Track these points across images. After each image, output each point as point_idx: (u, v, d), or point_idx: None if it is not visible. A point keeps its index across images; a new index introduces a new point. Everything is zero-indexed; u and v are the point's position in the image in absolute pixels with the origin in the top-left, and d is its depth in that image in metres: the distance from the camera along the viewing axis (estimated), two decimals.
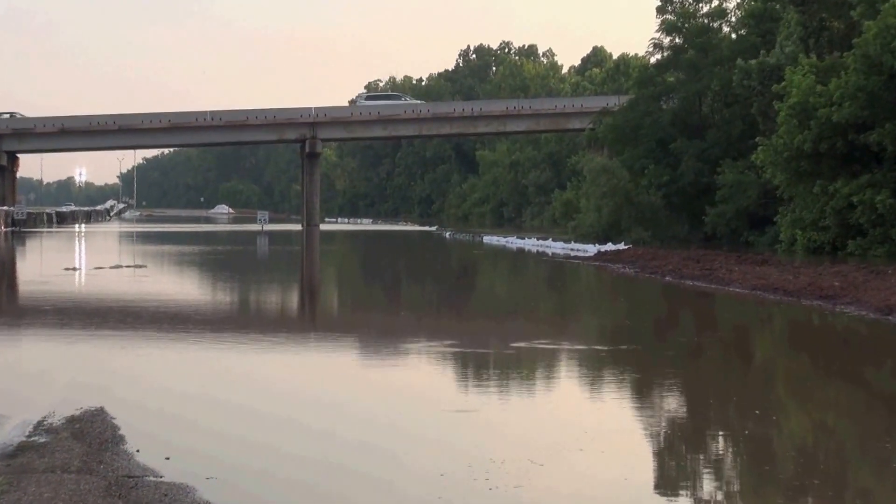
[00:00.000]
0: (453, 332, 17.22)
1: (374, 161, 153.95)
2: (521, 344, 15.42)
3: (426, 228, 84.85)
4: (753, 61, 43.04)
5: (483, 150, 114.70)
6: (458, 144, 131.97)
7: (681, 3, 53.78)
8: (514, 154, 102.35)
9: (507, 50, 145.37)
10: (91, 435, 9.18)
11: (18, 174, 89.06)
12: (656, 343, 16.54)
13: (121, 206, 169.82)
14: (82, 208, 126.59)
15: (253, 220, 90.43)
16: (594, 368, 13.53)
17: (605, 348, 15.54)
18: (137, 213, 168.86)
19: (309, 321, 20.03)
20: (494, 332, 17.32)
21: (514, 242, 53.02)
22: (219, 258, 42.55)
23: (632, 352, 15.23)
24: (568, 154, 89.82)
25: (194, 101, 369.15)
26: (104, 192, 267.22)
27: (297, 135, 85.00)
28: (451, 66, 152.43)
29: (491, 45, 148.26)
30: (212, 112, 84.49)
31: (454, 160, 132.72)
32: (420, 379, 12.85)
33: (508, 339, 16.16)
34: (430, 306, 23.28)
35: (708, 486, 8.11)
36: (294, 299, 25.25)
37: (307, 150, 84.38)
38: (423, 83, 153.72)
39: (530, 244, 50.33)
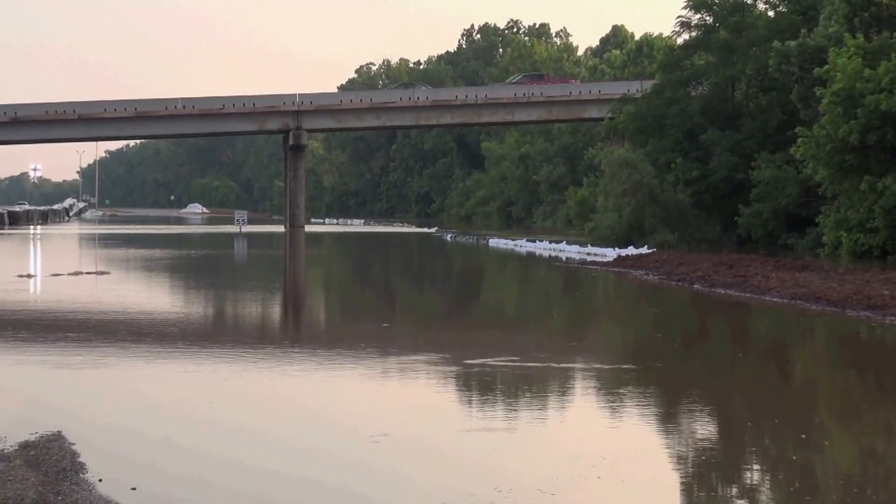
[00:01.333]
0: (455, 346, 17.22)
1: (366, 154, 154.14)
2: (531, 363, 15.39)
3: (424, 230, 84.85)
4: (793, 42, 43.06)
5: (489, 142, 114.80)
6: (461, 136, 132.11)
7: None
8: (523, 146, 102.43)
9: (515, 30, 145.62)
10: (48, 463, 9.17)
11: None
12: (683, 360, 16.52)
13: (81, 205, 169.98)
14: (38, 208, 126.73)
15: (230, 221, 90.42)
16: (613, 388, 13.53)
17: (626, 366, 15.53)
18: (100, 213, 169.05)
19: (293, 334, 20.03)
20: (502, 348, 17.31)
21: (523, 246, 53.03)
22: (191, 264, 42.55)
23: (656, 370, 15.22)
24: (584, 146, 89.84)
25: (164, 87, 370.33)
26: (62, 190, 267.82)
27: (280, 124, 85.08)
28: (452, 48, 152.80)
29: (497, 25, 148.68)
30: (183, 99, 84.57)
31: (456, 153, 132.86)
32: (420, 396, 12.87)
33: (518, 355, 16.14)
34: (429, 319, 23.28)
35: None
36: (275, 311, 25.24)
37: (291, 141, 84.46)
38: (422, 67, 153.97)
39: (542, 248, 50.32)
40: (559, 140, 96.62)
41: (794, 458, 9.88)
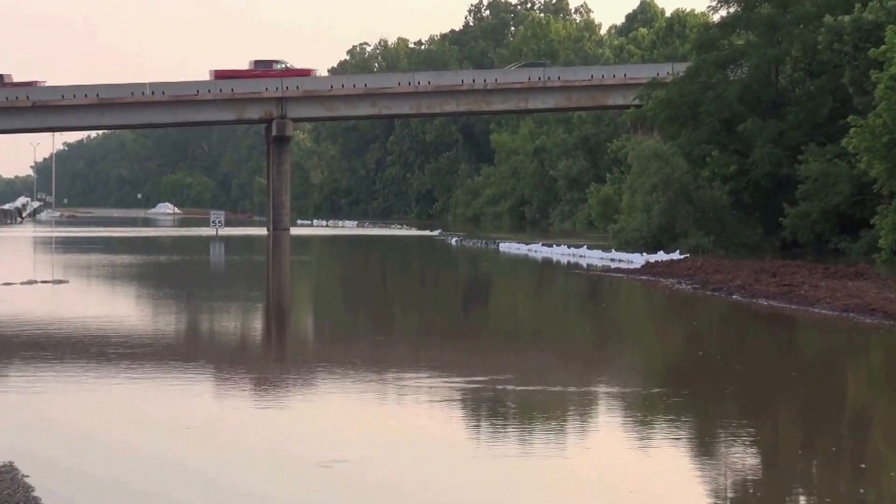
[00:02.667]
0: (460, 368, 17.21)
1: (359, 147, 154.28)
2: (546, 386, 15.36)
3: (426, 233, 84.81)
4: (846, 18, 42.98)
5: (499, 134, 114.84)
6: (468, 126, 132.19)
7: None
8: (538, 138, 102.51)
9: (529, 5, 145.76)
10: None
11: None
12: (721, 382, 16.47)
13: (36, 204, 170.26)
14: None
15: (205, 223, 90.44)
16: (641, 416, 13.52)
17: (656, 390, 15.49)
18: (57, 214, 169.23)
19: (276, 353, 20.01)
20: (513, 368, 17.28)
21: (538, 251, 52.98)
22: (161, 272, 42.54)
23: (690, 394, 15.18)
24: (608, 138, 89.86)
25: (130, 70, 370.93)
26: (14, 188, 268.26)
27: (262, 113, 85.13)
28: (458, 26, 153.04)
29: (509, 0, 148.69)
30: (152, 84, 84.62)
31: (462, 146, 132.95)
32: (425, 422, 12.90)
33: (531, 375, 16.11)
34: (430, 336, 23.23)
35: None
36: (257, 326, 25.22)
37: (274, 132, 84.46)
38: (423, 47, 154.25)
39: (559, 253, 50.26)
40: (579, 130, 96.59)
41: (853, 494, 9.83)
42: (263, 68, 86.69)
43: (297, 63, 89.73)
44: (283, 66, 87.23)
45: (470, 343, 21.22)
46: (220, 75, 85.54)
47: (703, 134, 50.90)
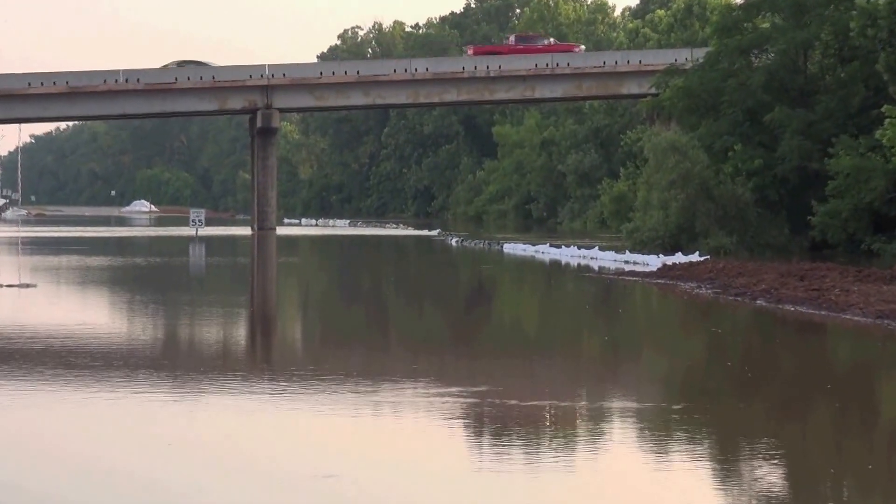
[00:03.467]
0: (461, 380, 17.18)
1: (351, 140, 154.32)
2: (554, 401, 15.31)
3: (424, 233, 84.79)
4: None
5: (503, 125, 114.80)
6: (469, 117, 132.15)
7: None
8: (546, 130, 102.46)
9: None
10: None
11: None
12: (745, 397, 16.44)
13: (1, 201, 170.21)
14: None
15: (184, 222, 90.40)
16: (656, 433, 13.48)
17: (674, 406, 15.44)
18: (23, 213, 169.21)
19: (261, 364, 19.97)
20: (518, 379, 17.26)
21: (546, 252, 52.94)
22: (136, 275, 42.53)
23: (710, 410, 15.14)
24: (622, 129, 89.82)
25: (102, 56, 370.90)
26: None
27: (245, 103, 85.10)
28: (458, 8, 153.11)
29: None
30: (126, 71, 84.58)
31: (463, 139, 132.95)
32: (423, 438, 12.87)
33: (538, 388, 16.07)
34: (428, 346, 23.21)
35: None
36: (240, 335, 25.19)
37: (259, 123, 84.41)
38: (421, 31, 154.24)
39: (569, 255, 50.22)
40: (591, 121, 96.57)
41: None
42: (524, 44, 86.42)
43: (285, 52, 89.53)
44: (547, 41, 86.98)
45: (471, 354, 21.17)
46: (478, 52, 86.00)
47: (725, 125, 50.82)
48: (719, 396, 16.21)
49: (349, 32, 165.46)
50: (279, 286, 40.41)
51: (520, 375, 17.96)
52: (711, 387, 17.14)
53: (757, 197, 48.20)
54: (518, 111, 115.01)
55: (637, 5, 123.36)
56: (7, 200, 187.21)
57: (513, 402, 15.11)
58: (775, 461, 12.13)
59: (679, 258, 41.84)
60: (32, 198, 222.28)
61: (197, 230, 76.86)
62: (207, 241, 70.58)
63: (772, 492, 10.83)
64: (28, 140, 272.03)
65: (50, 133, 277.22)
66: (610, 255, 47.26)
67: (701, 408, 15.16)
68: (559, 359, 20.70)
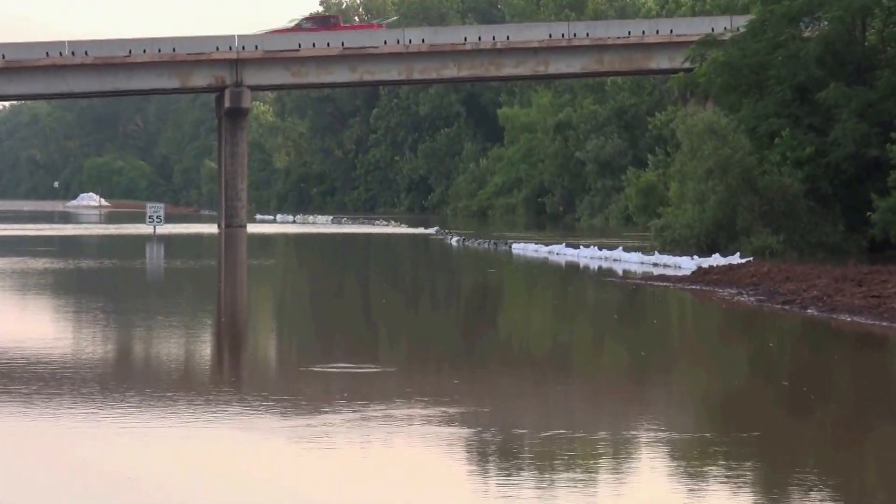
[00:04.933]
0: (464, 405, 17.16)
1: (335, 122, 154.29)
2: (571, 431, 15.22)
3: (420, 231, 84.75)
4: None
5: (511, 106, 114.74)
6: (472, 96, 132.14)
7: None
8: (561, 111, 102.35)
9: None
10: None
11: None
12: (796, 424, 16.39)
13: None
14: None
15: (140, 219, 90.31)
16: (693, 467, 13.40)
17: (710, 434, 15.36)
18: None
19: (229, 387, 19.93)
20: (527, 403, 17.21)
21: (561, 253, 52.89)
22: (83, 281, 42.44)
23: (755, 440, 15.07)
24: (650, 111, 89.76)
25: (45, 26, 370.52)
26: None
27: (211, 79, 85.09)
28: None
29: None
30: (73, 43, 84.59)
31: (465, 121, 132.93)
32: (419, 472, 12.83)
33: (552, 414, 16.00)
34: (424, 365, 23.20)
35: None
36: (204, 352, 25.14)
37: (227, 104, 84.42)
38: None
39: (588, 256, 50.18)
40: (613, 101, 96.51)
41: None
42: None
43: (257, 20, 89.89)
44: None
45: (475, 374, 21.12)
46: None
47: (770, 105, 50.74)
48: (766, 421, 16.12)
49: None
50: (252, 293, 40.34)
51: (534, 401, 17.90)
52: (754, 410, 17.05)
53: (807, 189, 48.15)
54: (529, 90, 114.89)
55: None
56: None
57: (526, 432, 15.09)
58: (819, 492, 12.08)
59: (717, 260, 41.83)
60: None
61: (155, 228, 76.80)
62: (167, 240, 70.54)
63: None
64: None
65: None
66: (636, 256, 47.23)
67: (742, 436, 15.07)
68: (580, 382, 20.63)
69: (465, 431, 15.05)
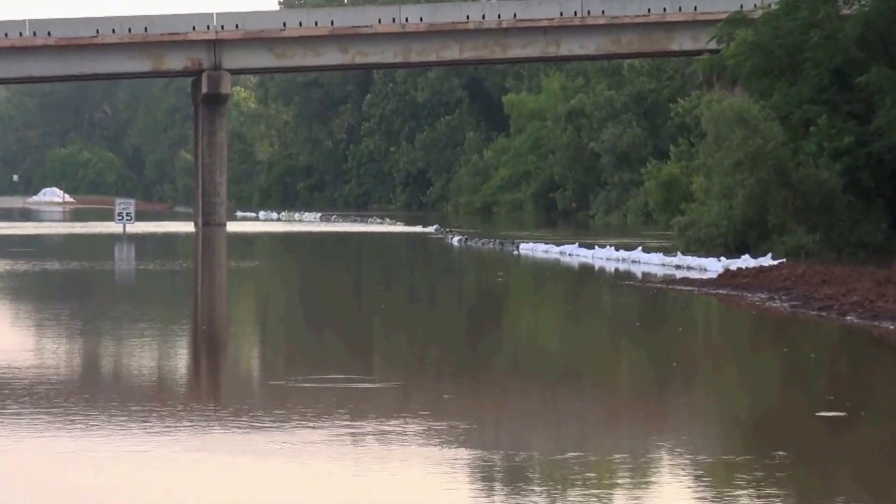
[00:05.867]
0: (467, 424, 17.12)
1: (323, 110, 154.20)
2: (580, 453, 15.18)
3: (418, 230, 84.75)
4: None
5: (518, 91, 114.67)
6: (476, 80, 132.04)
7: None
8: (574, 97, 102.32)
9: None
10: None
11: None
12: (835, 445, 16.31)
13: None
14: None
15: (108, 216, 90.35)
16: (723, 493, 13.31)
17: (743, 457, 15.32)
18: None
19: (207, 403, 19.88)
20: (538, 420, 17.17)
21: (574, 254, 52.86)
22: (46, 285, 42.49)
23: (789, 462, 15.02)
24: (672, 96, 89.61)
25: (2, 4, 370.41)
26: None
27: (187, 62, 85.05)
28: None
29: None
30: (34, 22, 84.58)
31: (467, 108, 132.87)
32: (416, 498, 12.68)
33: (565, 433, 15.99)
34: (423, 380, 23.15)
35: None
36: (180, 365, 25.11)
37: (205, 89, 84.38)
38: None
39: (603, 257, 50.16)
40: (631, 86, 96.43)
41: None
42: None
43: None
44: None
45: (480, 389, 21.09)
46: None
47: (805, 91, 50.71)
48: (803, 442, 16.07)
49: None
50: (232, 299, 40.31)
51: (548, 421, 17.88)
52: (790, 428, 16.99)
53: (847, 182, 48.15)
54: (538, 73, 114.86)
55: None
56: None
57: (537, 455, 15.08)
58: None
59: (746, 261, 41.87)
60: None
61: (125, 226, 76.77)
62: (138, 240, 70.59)
63: None
64: None
65: None
66: (657, 257, 47.24)
67: (776, 458, 15.01)
68: (597, 400, 20.57)
69: (467, 453, 15.03)
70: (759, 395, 20.84)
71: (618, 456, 14.99)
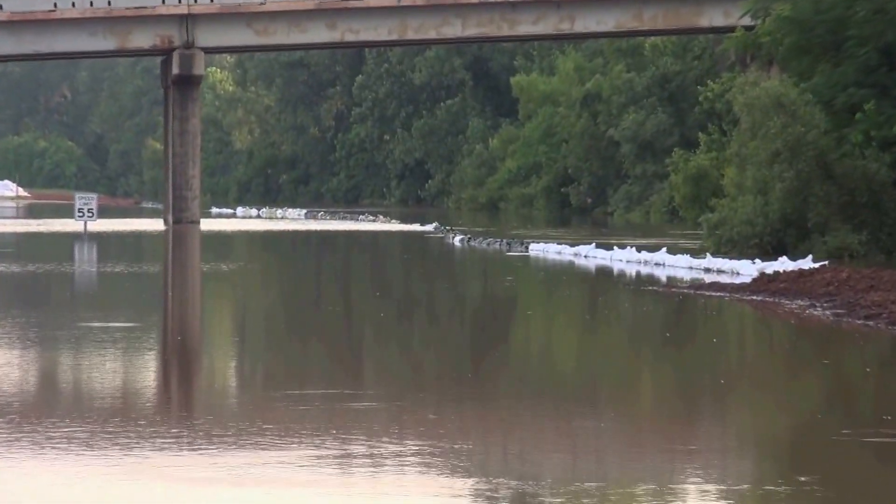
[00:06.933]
0: (469, 446, 17.08)
1: (310, 94, 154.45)
2: (599, 483, 15.15)
3: (415, 228, 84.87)
4: None
5: (528, 73, 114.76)
6: (480, 60, 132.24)
7: None
8: (590, 80, 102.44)
9: None
10: None
11: None
12: (886, 471, 16.24)
13: None
14: None
15: (67, 212, 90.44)
16: None
17: (779, 488, 15.26)
18: None
19: (178, 420, 19.82)
20: (553, 442, 17.15)
21: (590, 256, 52.94)
22: None
23: (834, 493, 14.94)
24: (700, 79, 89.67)
25: None
26: None
27: (156, 39, 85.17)
28: None
29: None
30: None
31: (470, 91, 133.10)
32: None
33: (583, 458, 16.01)
34: (421, 398, 23.15)
35: None
36: (148, 378, 25.08)
37: (176, 70, 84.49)
38: None
39: (624, 259, 50.24)
40: (655, 67, 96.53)
41: None
42: None
43: None
44: None
45: (485, 409, 21.05)
46: None
47: (850, 72, 50.78)
48: (849, 468, 16.03)
49: None
50: (206, 306, 40.33)
51: (561, 445, 17.88)
52: (835, 453, 16.94)
53: None
54: (549, 53, 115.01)
55: None
56: None
57: (547, 485, 15.04)
58: None
59: (784, 264, 42.03)
60: None
61: (86, 224, 76.91)
62: (101, 239, 70.71)
63: None
64: None
65: None
66: (684, 259, 47.33)
67: (814, 495, 14.95)
68: (617, 417, 20.52)
69: (471, 480, 15.04)
70: (802, 418, 20.77)
71: (642, 487, 14.95)
